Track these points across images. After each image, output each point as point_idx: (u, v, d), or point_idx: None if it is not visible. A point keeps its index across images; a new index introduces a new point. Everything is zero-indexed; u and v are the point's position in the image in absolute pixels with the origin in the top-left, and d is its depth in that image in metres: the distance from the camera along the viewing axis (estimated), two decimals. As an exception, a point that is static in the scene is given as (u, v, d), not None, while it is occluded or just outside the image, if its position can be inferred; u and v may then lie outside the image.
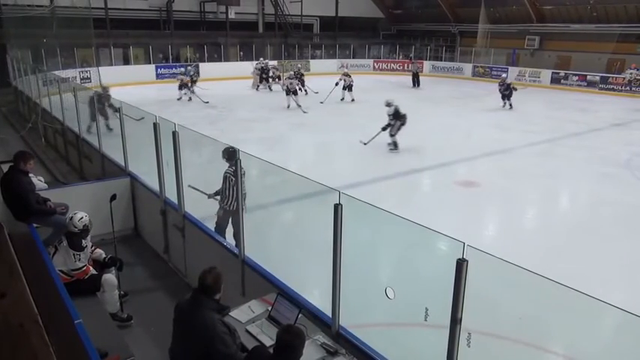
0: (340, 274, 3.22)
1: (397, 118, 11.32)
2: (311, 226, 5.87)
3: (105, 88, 12.05)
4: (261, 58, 23.58)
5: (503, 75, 20.66)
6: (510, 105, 17.60)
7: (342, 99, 18.68)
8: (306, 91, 19.97)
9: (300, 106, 16.34)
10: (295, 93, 16.82)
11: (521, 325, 4.01)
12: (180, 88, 18.28)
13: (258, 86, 22.04)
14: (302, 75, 20.20)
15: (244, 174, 5.29)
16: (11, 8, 16.56)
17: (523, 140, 12.75)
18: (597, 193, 8.96)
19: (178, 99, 18.24)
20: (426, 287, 3.36)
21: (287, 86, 16.86)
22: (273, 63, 24.04)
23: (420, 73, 24.29)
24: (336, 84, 18.54)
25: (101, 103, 10.63)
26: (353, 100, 18.59)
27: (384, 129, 11.35)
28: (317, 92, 19.33)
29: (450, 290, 2.42)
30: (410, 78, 24.32)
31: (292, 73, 18.13)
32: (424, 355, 3.94)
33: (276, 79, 22.00)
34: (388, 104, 11.40)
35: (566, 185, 9.65)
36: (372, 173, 9.58)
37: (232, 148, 5.27)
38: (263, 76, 21.91)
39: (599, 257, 6.30)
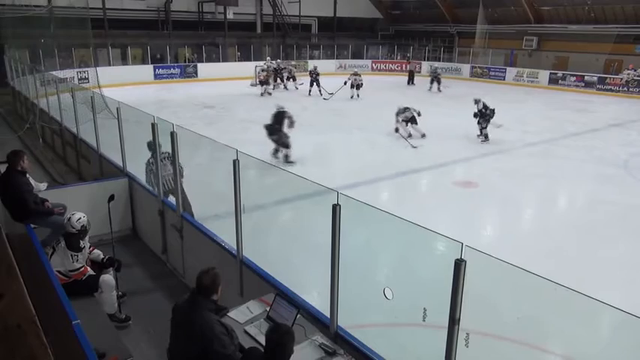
0: (338, 275, 3.22)
1: (483, 114, 12.34)
2: (309, 226, 5.87)
3: (286, 114, 10.73)
4: (269, 58, 23.77)
5: (435, 65, 24.99)
6: (439, 89, 21.40)
7: (352, 97, 19.15)
8: (320, 91, 20.11)
9: (410, 142, 12.23)
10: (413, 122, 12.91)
11: (519, 325, 4.01)
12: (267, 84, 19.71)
13: (274, 85, 21.48)
14: (318, 75, 20.45)
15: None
16: (8, 8, 16.50)
17: (521, 140, 12.79)
18: (595, 194, 8.98)
19: (269, 93, 19.63)
20: (425, 288, 3.37)
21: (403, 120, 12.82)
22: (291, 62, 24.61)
23: (415, 73, 25.97)
24: (345, 83, 19.24)
25: (279, 124, 10.30)
26: (359, 96, 19.23)
27: (479, 122, 12.48)
28: (332, 94, 19.42)
29: (448, 290, 2.42)
30: (406, 78, 25.66)
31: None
32: (422, 355, 3.94)
33: (292, 79, 22.11)
34: (476, 102, 12.43)
35: (564, 186, 9.66)
36: (371, 174, 9.58)
37: (150, 141, 5.71)
38: (278, 76, 21.94)
39: (597, 257, 6.31)
